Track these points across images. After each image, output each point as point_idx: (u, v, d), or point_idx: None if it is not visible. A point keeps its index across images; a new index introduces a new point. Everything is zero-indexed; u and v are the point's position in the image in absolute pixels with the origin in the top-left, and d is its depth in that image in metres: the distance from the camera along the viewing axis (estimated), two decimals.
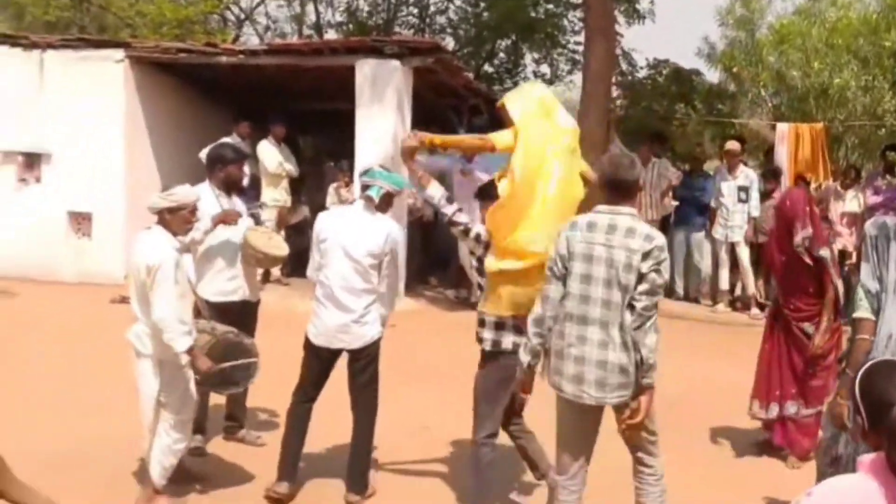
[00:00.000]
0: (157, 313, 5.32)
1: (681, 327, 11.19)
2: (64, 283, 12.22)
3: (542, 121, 5.47)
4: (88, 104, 12.46)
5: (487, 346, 5.44)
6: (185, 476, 6.04)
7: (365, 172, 5.98)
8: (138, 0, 18.96)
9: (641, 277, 4.41)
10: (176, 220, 5.52)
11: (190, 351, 5.39)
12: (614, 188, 4.59)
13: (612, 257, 4.44)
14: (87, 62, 12.54)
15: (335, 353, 5.86)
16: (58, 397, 7.63)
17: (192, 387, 5.63)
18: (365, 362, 5.84)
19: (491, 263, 5.40)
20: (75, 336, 9.62)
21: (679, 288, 13.15)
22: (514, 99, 5.62)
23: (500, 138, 5.53)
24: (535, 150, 5.33)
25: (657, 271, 4.43)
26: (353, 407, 5.92)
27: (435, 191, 5.66)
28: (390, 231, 5.81)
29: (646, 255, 4.40)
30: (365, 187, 5.88)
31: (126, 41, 13.44)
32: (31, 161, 12.73)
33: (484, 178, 8.93)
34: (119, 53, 12.53)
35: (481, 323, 5.49)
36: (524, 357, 4.75)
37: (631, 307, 4.43)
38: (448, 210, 5.60)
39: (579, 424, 4.70)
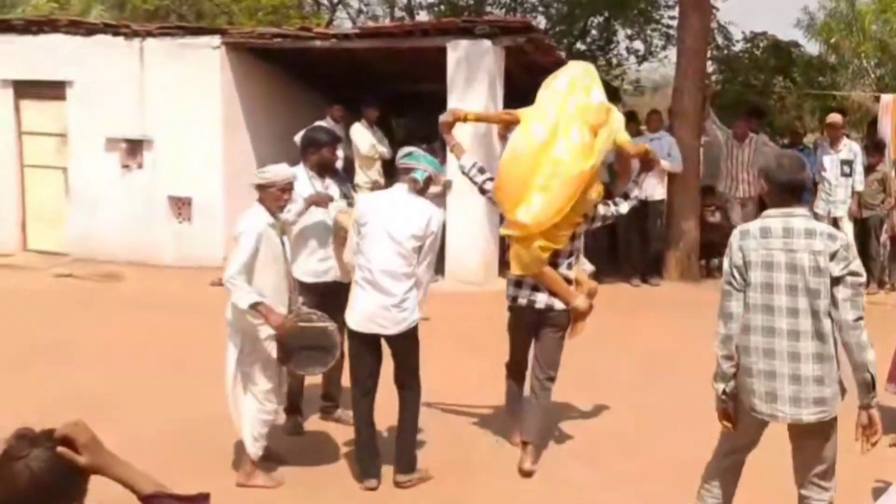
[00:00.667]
0: (226, 273, 5.60)
1: None
2: (166, 266, 12.54)
3: (569, 96, 5.98)
4: (187, 91, 12.72)
5: (508, 302, 6.28)
6: (281, 456, 6.21)
7: (407, 155, 5.90)
8: None
9: (838, 281, 4.18)
10: (268, 196, 5.78)
11: (255, 307, 5.52)
12: (785, 190, 4.38)
13: (793, 262, 4.21)
14: (186, 49, 12.77)
15: (376, 339, 5.74)
16: (163, 378, 7.85)
17: (273, 356, 5.74)
18: (405, 346, 5.79)
19: (501, 229, 6.27)
20: (179, 317, 9.86)
21: None
22: (548, 79, 6.17)
23: (525, 113, 6.12)
24: (540, 120, 5.93)
25: (854, 274, 4.20)
26: (400, 390, 5.89)
27: (467, 161, 6.46)
28: (433, 214, 5.76)
29: (833, 256, 4.18)
30: (407, 170, 5.81)
31: (222, 28, 13.66)
32: (134, 147, 13.03)
33: None
34: (216, 40, 12.73)
35: (508, 283, 6.30)
36: (718, 385, 4.48)
37: (830, 317, 4.20)
38: (479, 179, 6.36)
39: (752, 436, 4.54)
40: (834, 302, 4.20)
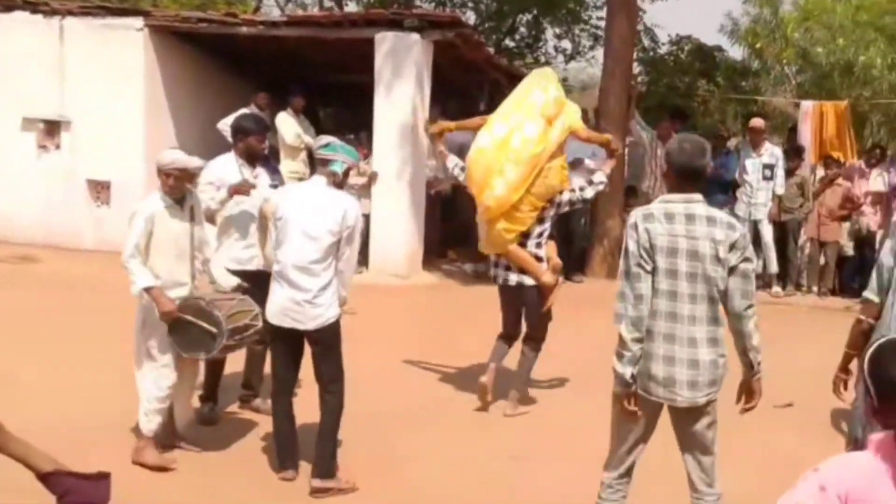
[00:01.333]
0: (122, 255, 5.68)
1: None
2: (84, 250, 12.27)
3: (526, 97, 7.07)
4: (108, 72, 12.46)
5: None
6: (192, 441, 6.17)
7: (325, 146, 5.74)
8: None
9: (732, 270, 4.24)
10: (160, 180, 5.88)
11: (148, 290, 5.62)
12: (685, 175, 4.39)
13: (695, 249, 4.24)
14: (107, 30, 12.52)
15: (294, 333, 5.62)
16: (72, 357, 7.68)
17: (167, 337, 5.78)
18: (324, 346, 5.65)
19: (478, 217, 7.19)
20: (92, 298, 9.66)
21: None
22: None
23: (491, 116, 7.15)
24: (501, 119, 7.04)
25: (747, 260, 4.28)
26: (321, 391, 5.72)
27: (451, 162, 7.47)
28: (349, 207, 5.58)
29: (732, 246, 4.23)
30: (325, 162, 5.67)
31: (146, 10, 13.44)
32: (52, 128, 12.75)
33: None
34: (139, 22, 12.51)
35: (489, 264, 7.34)
36: (623, 369, 4.34)
37: (722, 303, 4.28)
38: (462, 177, 7.27)
39: (648, 424, 4.48)
40: (727, 290, 4.28)
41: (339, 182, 5.68)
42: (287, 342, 5.69)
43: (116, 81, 12.46)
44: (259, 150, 6.79)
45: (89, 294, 9.96)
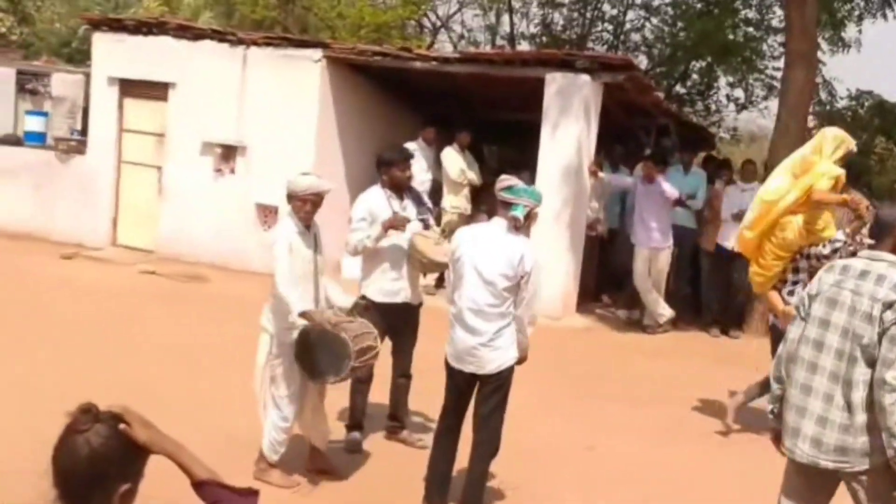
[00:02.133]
0: (277, 287, 5.74)
1: None
2: (251, 272, 12.62)
3: (800, 150, 7.81)
4: (285, 101, 12.90)
5: None
6: (334, 469, 6.24)
7: (508, 188, 5.55)
8: (340, 3, 19.53)
9: (883, 333, 3.98)
10: (293, 206, 5.93)
11: (304, 315, 5.65)
12: (877, 231, 4.37)
13: (854, 305, 4.09)
14: (288, 60, 12.97)
15: (470, 377, 5.57)
16: (221, 377, 7.92)
17: (294, 365, 5.82)
18: (492, 388, 5.54)
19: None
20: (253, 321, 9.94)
21: None
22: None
23: None
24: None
25: None
26: (475, 432, 5.63)
27: None
28: (526, 252, 5.44)
29: (889, 306, 3.99)
30: (507, 205, 5.51)
31: (325, 42, 13.82)
32: (228, 153, 13.26)
33: (669, 189, 11.54)
34: (318, 53, 12.89)
35: None
36: (768, 405, 4.45)
37: (872, 367, 4.02)
38: None
39: (801, 483, 4.34)
40: (877, 355, 4.02)
41: (520, 227, 5.54)
42: (460, 384, 5.65)
43: (292, 110, 12.88)
44: (404, 180, 6.80)
45: (251, 314, 10.27)
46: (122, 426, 2.38)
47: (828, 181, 7.32)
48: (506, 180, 5.65)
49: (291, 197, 5.90)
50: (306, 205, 5.87)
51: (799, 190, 7.32)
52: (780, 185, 7.45)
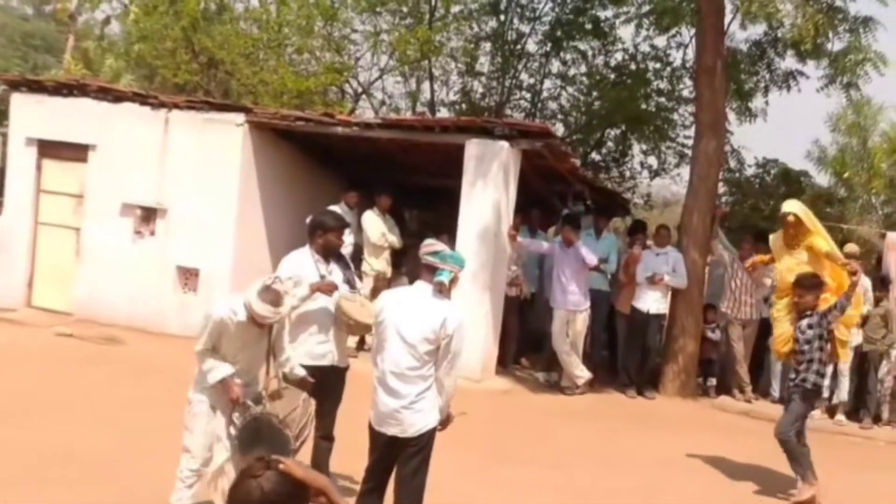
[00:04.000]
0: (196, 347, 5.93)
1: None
2: (168, 335, 12.55)
3: None
4: (207, 164, 12.94)
5: None
6: None
7: (434, 253, 5.63)
8: (262, 69, 19.64)
9: None
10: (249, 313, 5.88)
11: (222, 382, 5.86)
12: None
13: None
14: (210, 124, 13.04)
15: (392, 440, 5.57)
16: (152, 437, 7.87)
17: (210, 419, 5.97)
18: (414, 450, 5.55)
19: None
20: (173, 382, 9.86)
21: (775, 391, 12.83)
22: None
23: None
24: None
25: None
26: (396, 495, 5.63)
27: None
28: (448, 315, 5.49)
29: None
30: (432, 269, 5.58)
31: (248, 106, 13.93)
32: (148, 215, 13.20)
33: (588, 255, 11.76)
34: (240, 118, 12.98)
35: None
36: None
37: None
38: None
39: None
40: None
41: (444, 291, 5.58)
42: (382, 446, 5.65)
43: (214, 173, 12.92)
44: (337, 246, 6.91)
45: (167, 377, 10.21)
46: (282, 466, 2.84)
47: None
48: (431, 245, 5.71)
49: (248, 308, 5.85)
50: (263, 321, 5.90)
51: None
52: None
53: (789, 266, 8.59)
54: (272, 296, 5.81)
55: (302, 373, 6.32)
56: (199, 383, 6.06)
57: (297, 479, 2.86)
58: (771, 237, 9.15)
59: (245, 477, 2.86)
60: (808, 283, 8.10)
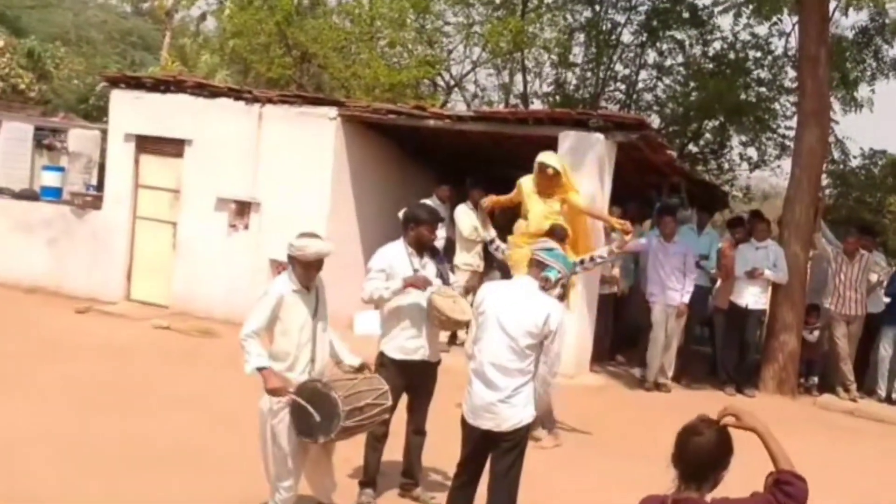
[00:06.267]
0: (241, 331, 5.79)
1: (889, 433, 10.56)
2: None
3: None
4: (300, 158, 12.99)
5: None
6: None
7: (547, 249, 5.71)
8: (355, 63, 19.73)
9: None
10: (292, 266, 5.95)
11: (260, 370, 5.68)
12: None
13: None
14: (303, 118, 13.08)
15: (486, 434, 5.51)
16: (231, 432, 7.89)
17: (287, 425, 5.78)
18: (509, 445, 5.49)
19: None
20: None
21: (881, 389, 12.38)
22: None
23: None
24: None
25: None
26: (490, 491, 5.57)
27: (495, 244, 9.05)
28: (552, 311, 5.48)
29: None
30: (541, 265, 5.60)
31: (340, 100, 13.94)
32: (242, 208, 13.32)
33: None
34: (333, 111, 12.99)
35: None
36: None
37: None
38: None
39: None
40: None
41: (549, 289, 5.58)
42: (476, 440, 5.59)
43: (306, 166, 12.96)
44: (429, 239, 6.84)
45: None
46: (725, 419, 3.65)
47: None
48: (546, 242, 5.94)
49: (290, 257, 5.91)
50: (311, 269, 5.91)
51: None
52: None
53: (545, 213, 8.84)
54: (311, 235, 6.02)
55: (357, 361, 6.21)
56: None
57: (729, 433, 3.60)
58: (523, 181, 9.14)
59: (690, 433, 3.61)
60: (562, 234, 8.26)
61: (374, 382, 6.00)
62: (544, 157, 8.95)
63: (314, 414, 5.56)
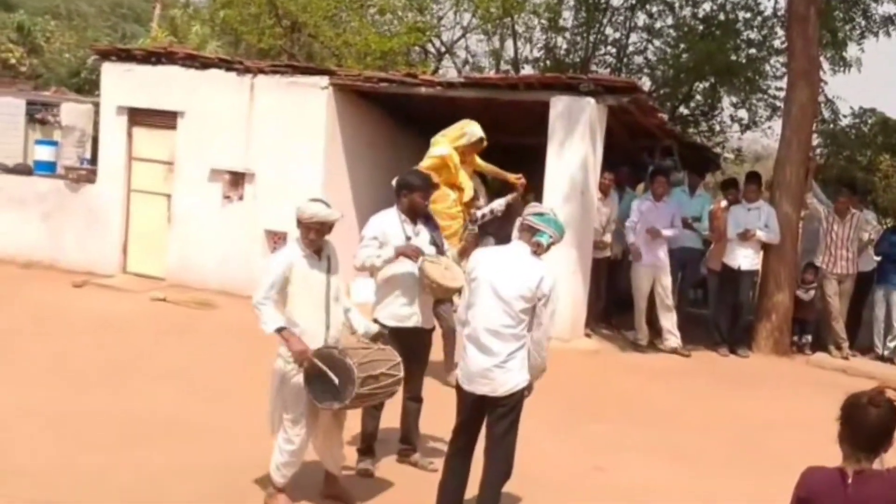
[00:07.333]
0: (253, 297, 5.83)
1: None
2: None
3: None
4: (292, 128, 13.01)
5: None
6: (349, 497, 6.24)
7: (538, 214, 5.66)
8: (345, 31, 19.68)
9: None
10: (300, 231, 5.96)
11: (280, 332, 5.74)
12: None
13: None
14: (295, 87, 13.08)
15: (482, 399, 5.54)
16: (235, 402, 7.98)
17: (301, 388, 5.81)
18: (504, 410, 5.52)
19: None
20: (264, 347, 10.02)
21: (878, 348, 12.50)
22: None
23: None
24: None
25: None
26: (487, 455, 5.61)
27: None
28: (545, 275, 5.46)
29: None
30: (533, 230, 5.57)
31: (331, 69, 13.93)
32: (236, 179, 13.34)
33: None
34: (324, 80, 12.99)
35: None
36: None
37: None
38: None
39: None
40: None
41: (541, 253, 5.58)
42: (471, 406, 5.62)
43: (299, 136, 12.98)
44: (422, 206, 6.90)
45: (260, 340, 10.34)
46: (891, 393, 3.61)
47: (428, 160, 9.19)
48: (537, 206, 5.86)
49: (299, 222, 5.94)
50: (310, 231, 5.90)
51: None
52: None
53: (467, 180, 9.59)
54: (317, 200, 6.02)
55: (374, 329, 6.29)
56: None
57: None
58: (452, 154, 9.48)
59: (867, 404, 3.60)
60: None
61: (388, 353, 6.05)
62: (478, 128, 9.58)
63: (333, 378, 5.60)
